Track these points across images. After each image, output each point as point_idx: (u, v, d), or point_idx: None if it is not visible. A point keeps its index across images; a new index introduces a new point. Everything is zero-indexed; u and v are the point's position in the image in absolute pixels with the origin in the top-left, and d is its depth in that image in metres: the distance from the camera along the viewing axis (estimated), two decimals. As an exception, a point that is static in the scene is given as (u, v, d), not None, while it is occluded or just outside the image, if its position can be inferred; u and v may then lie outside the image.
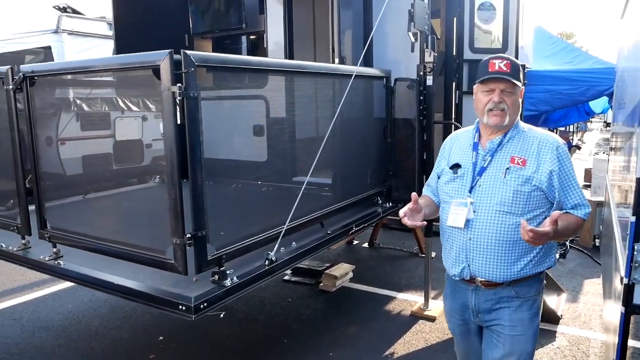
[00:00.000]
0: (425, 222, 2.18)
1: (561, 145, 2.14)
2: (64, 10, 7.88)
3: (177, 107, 2.14)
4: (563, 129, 14.06)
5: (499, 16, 4.91)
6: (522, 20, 5.72)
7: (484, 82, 2.12)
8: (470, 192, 2.17)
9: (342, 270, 5.13)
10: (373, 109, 3.91)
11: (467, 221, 2.14)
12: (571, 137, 19.53)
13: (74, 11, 7.98)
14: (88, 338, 4.01)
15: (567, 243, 6.36)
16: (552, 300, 4.44)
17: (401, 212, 2.15)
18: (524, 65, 2.10)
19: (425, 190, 2.53)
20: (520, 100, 2.18)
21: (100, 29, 8.06)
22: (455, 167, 2.25)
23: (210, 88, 2.55)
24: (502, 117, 2.11)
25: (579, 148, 15.48)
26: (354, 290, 5.07)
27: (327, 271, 5.09)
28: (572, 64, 9.54)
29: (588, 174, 11.21)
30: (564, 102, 9.50)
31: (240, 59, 2.49)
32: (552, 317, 4.25)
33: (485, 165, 2.16)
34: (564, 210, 2.12)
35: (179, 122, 2.17)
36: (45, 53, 7.95)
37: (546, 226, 1.88)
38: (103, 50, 8.06)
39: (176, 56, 2.14)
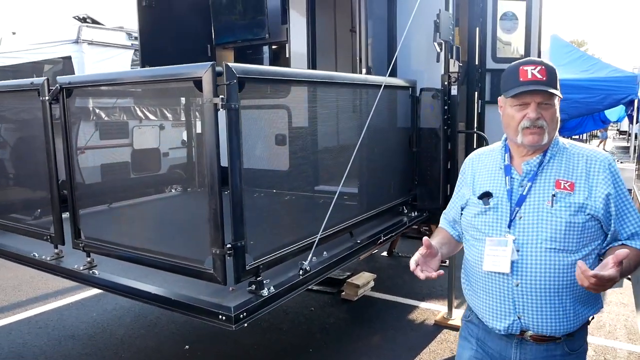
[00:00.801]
0: (442, 272, 1.78)
1: (612, 162, 1.78)
2: (83, 20, 7.97)
3: (219, 118, 2.17)
4: (577, 137, 14.01)
5: (521, 26, 4.92)
6: (543, 29, 5.74)
7: (516, 96, 1.74)
8: (509, 227, 1.78)
9: (364, 279, 5.12)
10: (399, 118, 3.93)
11: (511, 264, 1.75)
12: (584, 145, 19.40)
13: (94, 21, 8.07)
14: (114, 347, 4.03)
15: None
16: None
17: (412, 262, 1.79)
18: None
19: (442, 222, 2.18)
20: (558, 110, 1.81)
21: (119, 39, 8.15)
22: (485, 196, 1.86)
23: (246, 98, 2.57)
24: (540, 136, 1.73)
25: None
26: (375, 299, 5.06)
27: (348, 280, 5.09)
28: (589, 72, 9.54)
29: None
30: (580, 110, 9.51)
31: (278, 70, 2.51)
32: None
33: (524, 193, 1.78)
34: (619, 242, 1.77)
35: (220, 133, 2.20)
36: (64, 63, 8.04)
37: (609, 268, 1.50)
38: (122, 60, 8.15)
39: (218, 68, 2.17)
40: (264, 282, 2.46)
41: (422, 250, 1.79)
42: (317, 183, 3.30)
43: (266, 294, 2.42)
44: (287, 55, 5.06)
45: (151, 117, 7.36)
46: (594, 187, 1.72)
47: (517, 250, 1.74)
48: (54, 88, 2.84)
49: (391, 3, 4.35)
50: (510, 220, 1.78)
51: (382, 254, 6.54)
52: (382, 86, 3.24)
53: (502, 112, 1.86)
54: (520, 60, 1.80)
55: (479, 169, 1.96)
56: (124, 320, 4.54)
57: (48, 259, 3.09)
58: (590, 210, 1.70)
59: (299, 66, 4.90)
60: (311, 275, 2.74)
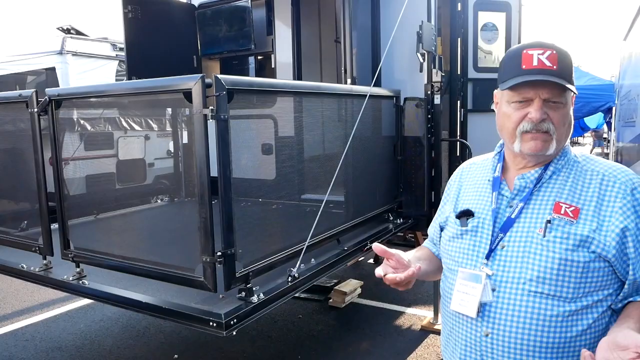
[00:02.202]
0: (418, 267, 1.42)
1: (639, 186, 1.32)
2: (67, 31, 7.96)
3: (209, 129, 2.23)
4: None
5: (501, 36, 5.05)
6: (522, 39, 5.88)
7: (515, 88, 1.32)
8: (487, 258, 1.38)
9: (351, 286, 5.17)
10: (384, 127, 4.01)
11: (483, 306, 1.35)
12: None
13: (78, 32, 8.07)
14: (103, 358, 4.02)
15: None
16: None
17: (378, 270, 1.43)
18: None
19: (425, 242, 1.79)
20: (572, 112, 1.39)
21: (103, 50, 8.15)
22: (465, 215, 1.47)
23: (235, 108, 2.62)
24: (546, 143, 1.32)
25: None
26: (363, 305, 5.11)
27: (336, 287, 5.13)
28: (567, 80, 9.78)
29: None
30: (560, 117, 9.72)
31: (266, 82, 2.57)
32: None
33: (513, 216, 1.37)
34: (632, 298, 1.31)
35: (210, 143, 2.25)
36: (47, 74, 8.02)
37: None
38: (106, 70, 8.15)
39: (207, 80, 2.22)
40: (254, 289, 2.51)
41: (385, 257, 1.43)
42: (303, 192, 3.36)
43: (256, 301, 2.47)
44: (273, 66, 5.13)
45: (137, 127, 7.37)
46: (607, 217, 1.29)
47: (493, 290, 1.35)
48: (42, 100, 2.87)
49: (375, 14, 4.45)
50: (491, 250, 1.38)
51: (369, 261, 6.59)
52: (367, 96, 3.32)
53: (496, 110, 1.45)
54: (525, 43, 1.38)
55: (467, 181, 1.57)
56: (112, 331, 4.52)
57: (37, 270, 3.09)
58: (596, 248, 1.27)
59: (284, 76, 4.98)
60: (300, 281, 2.79)
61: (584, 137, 27.93)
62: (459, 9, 4.81)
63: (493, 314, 1.34)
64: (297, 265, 2.77)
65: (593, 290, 1.29)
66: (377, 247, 1.43)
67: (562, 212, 1.31)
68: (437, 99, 4.19)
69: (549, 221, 1.31)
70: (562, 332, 1.28)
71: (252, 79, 2.54)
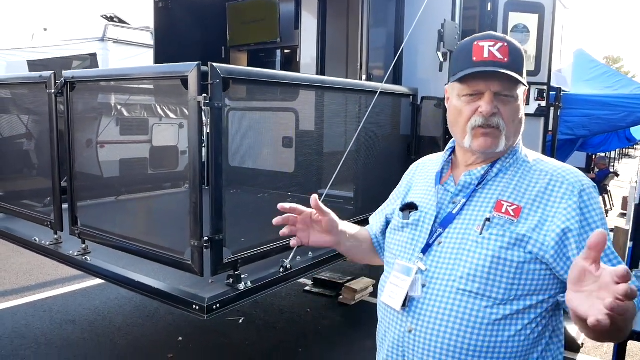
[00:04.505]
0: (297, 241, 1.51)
1: (587, 189, 1.25)
2: (110, 19, 8.26)
3: (203, 116, 2.27)
4: (603, 154, 13.72)
5: (532, 38, 4.91)
6: (560, 42, 5.70)
7: (466, 80, 1.29)
8: (424, 252, 1.33)
9: (363, 284, 5.16)
10: (399, 125, 3.97)
11: (411, 301, 1.31)
12: (612, 164, 19.03)
13: (121, 21, 8.35)
14: (111, 334, 4.17)
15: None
16: (573, 328, 4.35)
17: (284, 204, 1.48)
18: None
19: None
20: (524, 108, 1.35)
21: (144, 39, 8.40)
22: (409, 208, 1.43)
23: (238, 99, 2.67)
24: (495, 139, 1.29)
25: (617, 175, 15.02)
26: (372, 304, 5.07)
27: (347, 284, 5.13)
28: (613, 88, 9.36)
29: (625, 201, 10.99)
30: (602, 127, 9.32)
31: (264, 72, 2.58)
32: (572, 346, 4.18)
33: (454, 212, 1.33)
34: None
35: (203, 130, 2.30)
36: (91, 59, 8.33)
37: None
38: (145, 58, 8.39)
39: (203, 68, 2.26)
40: (242, 276, 2.54)
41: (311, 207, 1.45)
42: (320, 186, 3.37)
43: (242, 288, 2.50)
44: (298, 60, 5.15)
45: (171, 115, 7.56)
46: (550, 217, 1.23)
47: (424, 286, 1.30)
48: (59, 82, 2.99)
49: (399, 12, 4.40)
50: (428, 245, 1.33)
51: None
52: (378, 93, 3.30)
53: (447, 105, 1.41)
54: (476, 35, 1.34)
55: (419, 176, 1.55)
56: (125, 309, 4.68)
57: (47, 244, 3.24)
58: (533, 247, 1.21)
59: (309, 71, 4.98)
60: (292, 273, 2.81)
61: (635, 148, 26.70)
62: (489, 8, 4.71)
63: (419, 310, 1.29)
64: (290, 257, 2.79)
65: (526, 294, 1.23)
66: (281, 206, 1.47)
67: (504, 210, 1.26)
68: (457, 100, 4.11)
69: (488, 219, 1.26)
70: (487, 336, 1.23)
71: (250, 69, 2.57)
